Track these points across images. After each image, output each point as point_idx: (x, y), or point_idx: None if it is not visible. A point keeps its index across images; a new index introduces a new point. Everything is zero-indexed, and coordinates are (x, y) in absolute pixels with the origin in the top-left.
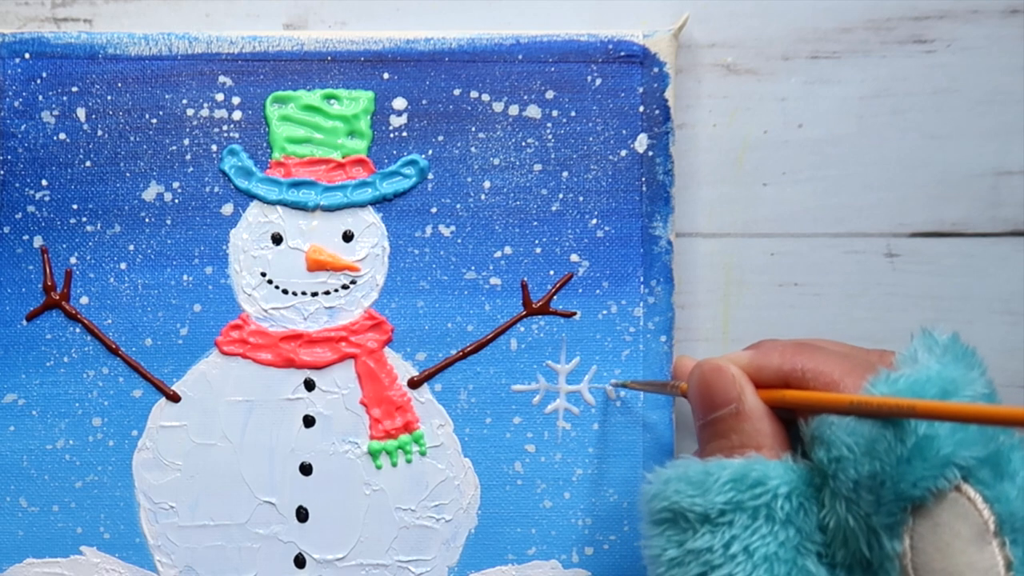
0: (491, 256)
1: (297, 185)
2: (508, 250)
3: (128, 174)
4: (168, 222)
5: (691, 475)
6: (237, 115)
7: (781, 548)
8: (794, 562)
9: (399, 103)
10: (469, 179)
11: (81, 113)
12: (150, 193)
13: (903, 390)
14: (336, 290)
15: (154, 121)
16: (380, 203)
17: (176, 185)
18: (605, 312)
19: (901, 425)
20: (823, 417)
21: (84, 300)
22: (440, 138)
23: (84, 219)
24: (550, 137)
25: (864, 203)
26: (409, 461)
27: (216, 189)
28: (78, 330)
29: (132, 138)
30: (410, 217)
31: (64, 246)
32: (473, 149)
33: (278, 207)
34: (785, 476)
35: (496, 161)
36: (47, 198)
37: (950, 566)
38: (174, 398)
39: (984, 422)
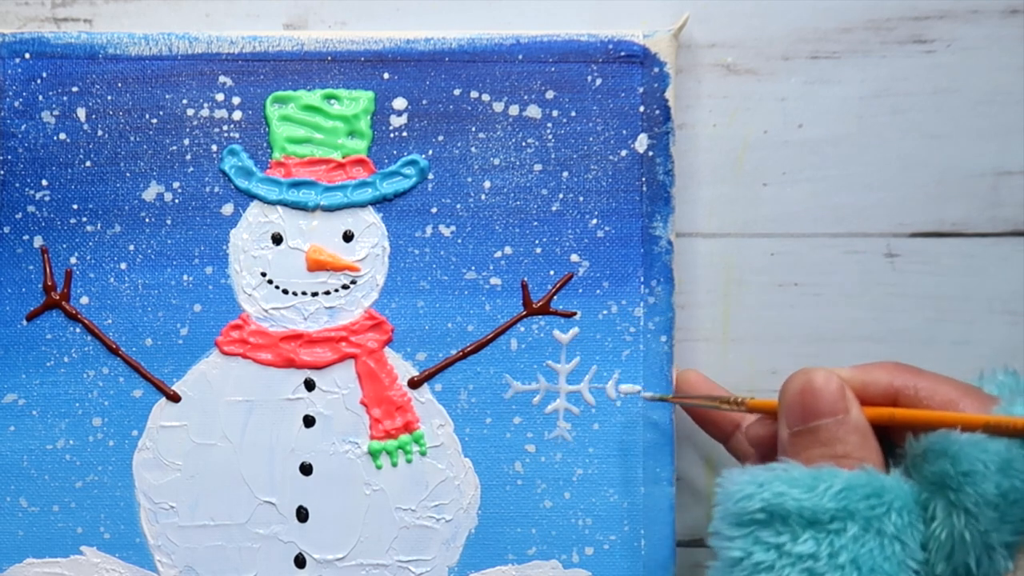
0: (491, 256)
1: (297, 185)
2: (508, 250)
3: (128, 174)
4: (168, 222)
5: (796, 477)
6: (237, 115)
7: (887, 562)
8: None
9: (399, 103)
10: (469, 179)
11: (81, 113)
12: (150, 193)
13: None
14: (336, 290)
15: (154, 121)
16: (380, 203)
17: (176, 185)
18: (605, 312)
19: None
20: (946, 433)
21: (84, 300)
22: (440, 138)
23: (84, 219)
24: (550, 137)
25: (864, 203)
26: (409, 461)
27: (216, 189)
28: (78, 330)
29: (132, 138)
30: (410, 217)
31: (64, 246)
32: (473, 149)
33: (278, 207)
34: (899, 491)
35: (496, 161)
36: (47, 198)
37: None
38: (174, 398)
39: None
